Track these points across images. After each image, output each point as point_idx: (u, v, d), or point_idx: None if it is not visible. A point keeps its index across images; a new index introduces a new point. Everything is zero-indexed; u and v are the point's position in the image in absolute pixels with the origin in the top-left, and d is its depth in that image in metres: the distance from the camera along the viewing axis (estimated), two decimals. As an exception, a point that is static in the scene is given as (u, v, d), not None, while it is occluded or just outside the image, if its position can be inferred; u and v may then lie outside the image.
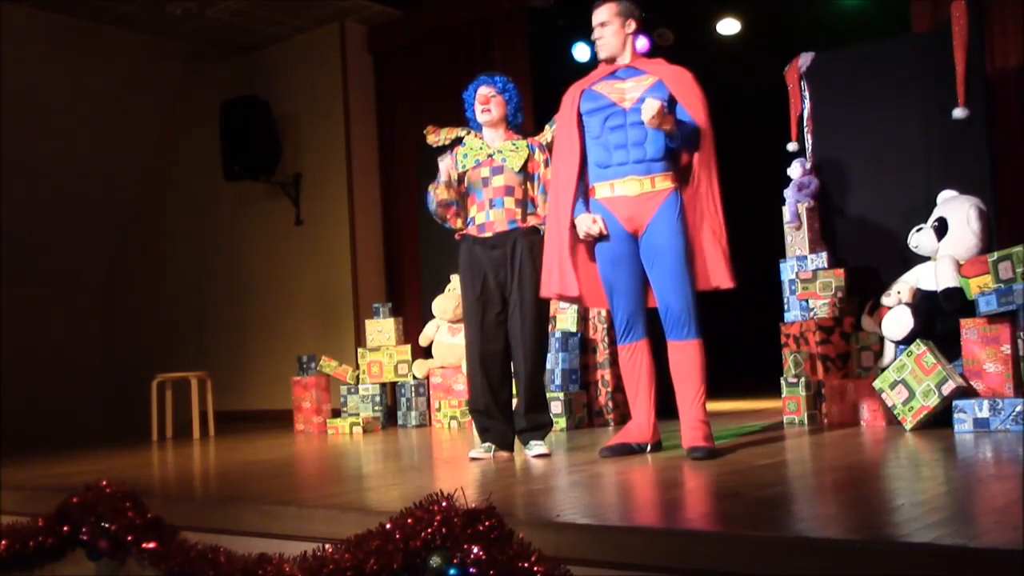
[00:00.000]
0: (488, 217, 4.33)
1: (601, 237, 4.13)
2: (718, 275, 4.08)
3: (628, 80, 4.12)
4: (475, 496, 2.48)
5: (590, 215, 4.13)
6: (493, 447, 4.34)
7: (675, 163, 4.09)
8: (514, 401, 4.51)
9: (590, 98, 4.17)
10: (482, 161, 4.38)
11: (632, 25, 4.15)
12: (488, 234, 4.33)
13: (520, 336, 4.29)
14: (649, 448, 4.19)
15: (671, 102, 4.03)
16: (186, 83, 9.33)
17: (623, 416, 5.86)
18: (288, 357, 7.93)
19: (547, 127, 6.81)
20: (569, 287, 4.20)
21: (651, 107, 3.88)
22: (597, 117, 4.14)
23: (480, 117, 4.43)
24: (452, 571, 2.30)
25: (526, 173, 4.38)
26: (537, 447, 4.31)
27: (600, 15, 4.17)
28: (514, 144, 4.40)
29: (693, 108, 4.03)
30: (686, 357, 3.99)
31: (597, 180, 4.14)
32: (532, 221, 4.37)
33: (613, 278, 4.17)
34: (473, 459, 4.28)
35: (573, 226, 4.17)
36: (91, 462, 5.28)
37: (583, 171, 4.20)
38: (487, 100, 4.39)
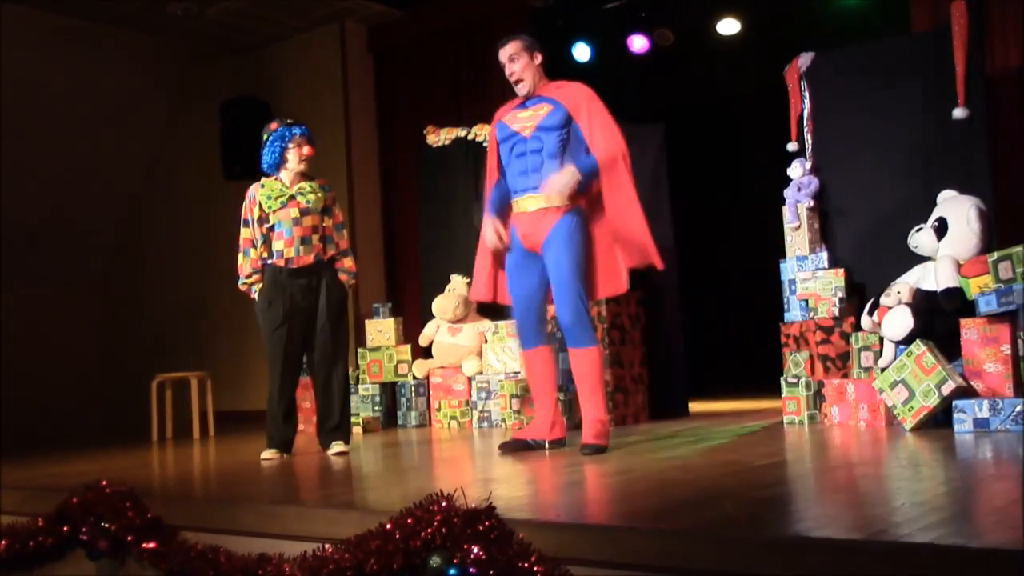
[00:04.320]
0: (297, 252, 4.82)
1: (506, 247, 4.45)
2: (614, 281, 4.44)
3: (530, 108, 4.39)
4: (475, 496, 2.48)
5: (494, 222, 4.42)
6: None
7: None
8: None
9: (500, 128, 4.50)
10: (287, 203, 4.87)
11: (539, 57, 4.42)
12: (295, 266, 4.84)
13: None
14: (548, 445, 4.48)
15: (567, 119, 4.29)
16: (186, 83, 9.33)
17: (622, 416, 5.87)
18: (288, 357, 7.92)
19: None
20: (479, 293, 4.69)
21: (554, 188, 4.20)
22: (506, 147, 4.46)
23: (298, 167, 4.92)
24: (452, 571, 2.30)
25: (326, 208, 4.96)
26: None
27: (509, 50, 4.39)
28: (311, 186, 4.95)
29: (590, 121, 4.29)
30: (580, 363, 4.31)
31: (513, 200, 4.47)
32: (331, 252, 4.94)
33: (511, 289, 4.50)
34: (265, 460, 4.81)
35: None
36: (91, 462, 5.28)
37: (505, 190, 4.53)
38: (301, 157, 4.91)
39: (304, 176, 5.01)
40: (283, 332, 4.85)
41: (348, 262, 5.03)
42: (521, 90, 4.39)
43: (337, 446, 4.90)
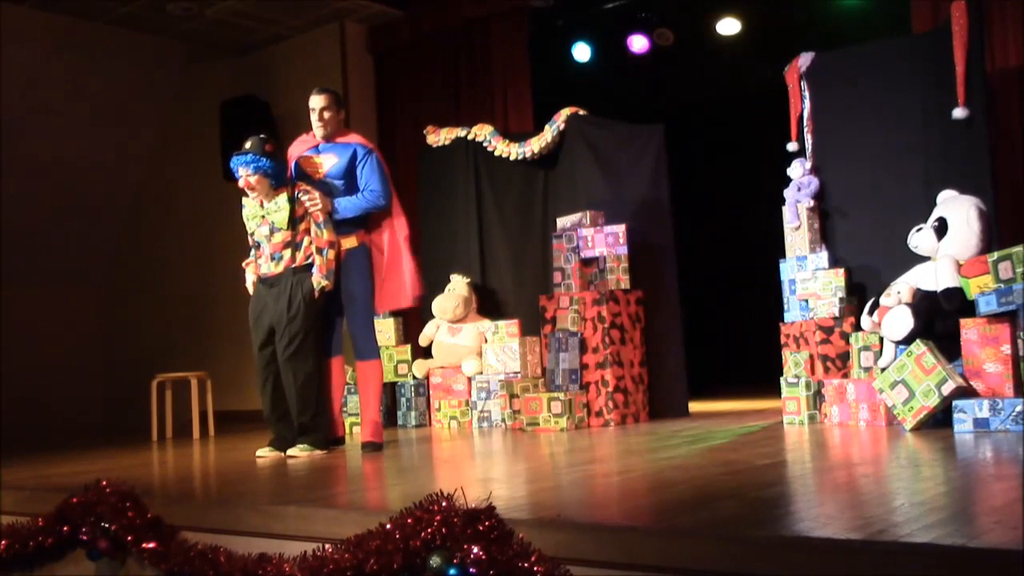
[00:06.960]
0: (269, 267, 5.05)
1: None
2: (401, 296, 5.26)
3: (323, 155, 5.17)
4: (475, 496, 2.48)
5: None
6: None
7: (361, 224, 5.16)
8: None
9: (295, 167, 5.22)
10: (260, 223, 5.11)
11: (343, 113, 5.27)
12: (268, 277, 5.08)
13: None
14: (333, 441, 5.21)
15: (351, 163, 5.11)
16: (186, 83, 9.32)
17: (623, 416, 5.86)
18: (288, 357, 7.92)
19: (547, 127, 6.85)
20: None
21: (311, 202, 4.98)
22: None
23: (252, 192, 5.12)
24: (452, 571, 2.30)
25: (295, 219, 5.04)
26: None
27: (321, 102, 5.13)
28: (276, 203, 5.05)
29: (362, 173, 5.13)
30: (365, 372, 5.18)
31: None
32: (301, 259, 5.03)
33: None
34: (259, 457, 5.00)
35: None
36: (91, 462, 5.28)
37: None
38: (249, 186, 5.05)
39: (280, 188, 5.03)
40: (256, 336, 5.11)
41: (329, 254, 5.02)
42: (322, 132, 5.14)
43: (292, 450, 4.94)
